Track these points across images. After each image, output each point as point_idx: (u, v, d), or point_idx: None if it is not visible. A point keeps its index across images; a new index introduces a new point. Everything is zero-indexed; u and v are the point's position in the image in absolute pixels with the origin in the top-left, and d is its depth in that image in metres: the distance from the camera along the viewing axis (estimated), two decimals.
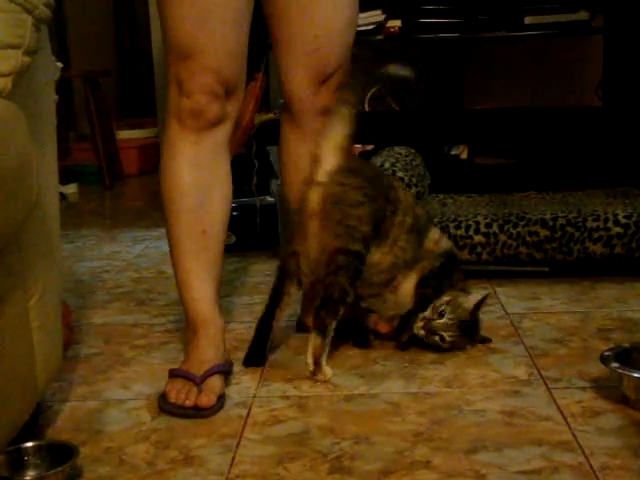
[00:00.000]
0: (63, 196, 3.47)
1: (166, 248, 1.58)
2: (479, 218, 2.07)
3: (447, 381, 1.48)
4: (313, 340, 1.50)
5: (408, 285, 1.63)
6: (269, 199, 2.54)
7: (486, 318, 1.80)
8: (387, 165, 2.16)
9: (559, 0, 2.66)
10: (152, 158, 3.91)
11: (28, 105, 1.17)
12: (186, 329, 1.56)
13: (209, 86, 1.46)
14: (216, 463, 1.22)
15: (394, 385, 1.48)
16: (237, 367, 1.56)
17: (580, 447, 1.22)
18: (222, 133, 1.52)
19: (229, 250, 2.05)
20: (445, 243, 1.69)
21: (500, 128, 2.68)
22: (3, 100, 1.09)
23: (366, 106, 3.13)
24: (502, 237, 2.04)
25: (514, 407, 1.36)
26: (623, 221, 2.01)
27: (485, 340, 1.65)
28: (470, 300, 1.61)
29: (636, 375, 1.34)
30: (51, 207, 1.32)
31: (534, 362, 1.55)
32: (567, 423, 1.30)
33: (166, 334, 1.80)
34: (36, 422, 1.34)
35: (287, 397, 1.45)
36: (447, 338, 1.59)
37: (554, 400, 1.38)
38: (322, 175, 1.55)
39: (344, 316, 1.71)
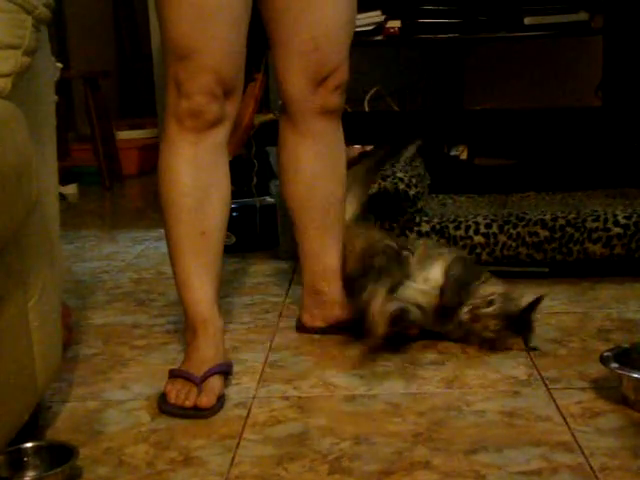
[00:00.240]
0: (63, 197, 3.47)
1: (166, 249, 1.58)
2: (479, 219, 2.07)
3: (447, 382, 1.48)
4: None
5: None
6: (269, 200, 2.54)
7: None
8: (387, 165, 2.16)
9: (559, 1, 2.66)
10: (152, 159, 3.89)
11: (28, 105, 1.17)
12: (186, 330, 1.55)
13: (208, 87, 1.46)
14: (216, 464, 1.22)
15: (394, 386, 1.48)
16: (237, 367, 1.56)
17: (580, 447, 1.22)
18: (221, 134, 1.52)
19: (229, 251, 2.06)
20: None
21: (500, 129, 2.68)
22: (3, 100, 1.09)
23: (366, 107, 3.13)
24: (502, 238, 2.04)
25: (514, 408, 1.36)
26: (623, 222, 2.01)
27: (531, 348, 1.62)
28: (525, 299, 1.63)
29: (635, 376, 1.34)
30: (51, 208, 1.32)
31: (534, 363, 1.55)
32: (567, 423, 1.30)
33: (166, 335, 1.80)
34: (36, 423, 1.34)
35: (287, 398, 1.45)
36: (491, 327, 1.60)
37: (554, 400, 1.38)
38: None
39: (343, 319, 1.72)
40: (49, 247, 1.29)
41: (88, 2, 4.72)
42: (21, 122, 1.12)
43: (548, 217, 2.05)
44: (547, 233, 2.03)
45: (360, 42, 2.65)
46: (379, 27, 2.64)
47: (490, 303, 1.61)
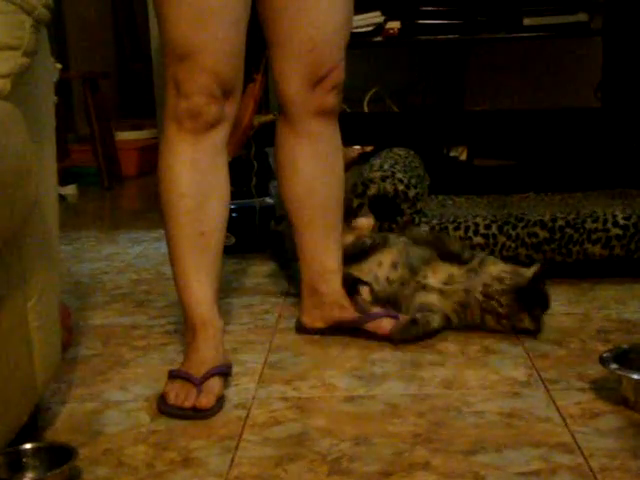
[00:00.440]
0: (62, 197, 3.47)
1: (165, 249, 1.58)
2: (478, 219, 2.07)
3: (446, 382, 1.48)
4: None
5: None
6: (268, 200, 2.54)
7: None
8: (386, 166, 2.16)
9: (558, 2, 2.66)
10: (151, 159, 3.89)
11: (27, 106, 1.17)
12: (185, 330, 1.55)
13: (207, 87, 1.46)
14: (215, 464, 1.22)
15: (393, 386, 1.48)
16: (236, 368, 1.55)
17: (579, 448, 1.22)
18: (220, 135, 1.52)
19: (228, 251, 2.05)
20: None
21: (499, 129, 2.68)
22: (2, 101, 1.09)
23: (365, 107, 3.13)
24: (501, 238, 2.04)
25: (513, 408, 1.36)
26: (622, 222, 2.01)
27: (537, 325, 1.67)
28: (531, 269, 1.69)
29: (635, 376, 1.34)
30: (50, 208, 1.32)
31: (533, 363, 1.55)
32: (566, 424, 1.30)
33: (165, 335, 1.80)
34: (35, 424, 1.34)
35: (286, 398, 1.45)
36: (504, 302, 1.65)
37: (553, 401, 1.38)
38: None
39: (342, 320, 1.72)
40: (48, 248, 1.29)
41: (87, 3, 4.73)
42: (20, 123, 1.12)
43: (547, 218, 2.05)
44: (546, 234, 2.03)
45: (360, 43, 2.66)
46: (379, 28, 2.65)
47: (500, 280, 1.68)
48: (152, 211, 3.23)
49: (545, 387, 1.44)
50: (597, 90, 2.98)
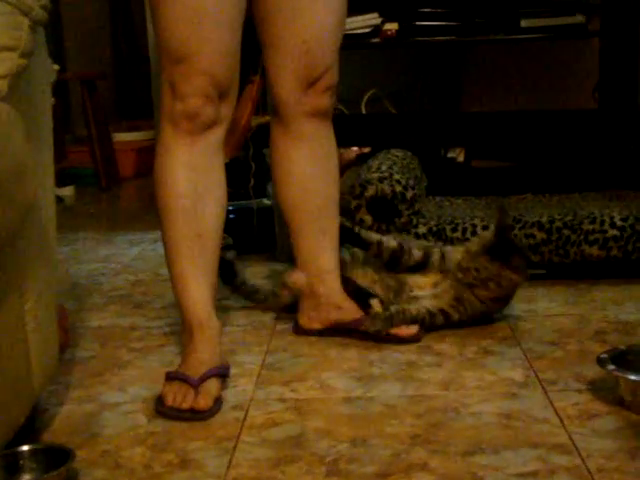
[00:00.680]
0: (59, 199, 3.46)
1: (163, 250, 1.58)
2: (476, 221, 2.07)
3: (444, 383, 1.48)
4: None
5: None
6: (266, 202, 2.54)
7: (483, 320, 1.80)
8: (384, 168, 2.16)
9: (555, 3, 2.67)
10: (149, 161, 3.87)
11: (24, 107, 1.17)
12: (183, 332, 1.55)
13: (203, 89, 1.46)
14: (213, 466, 1.22)
15: (391, 388, 1.48)
16: (234, 370, 1.55)
17: (576, 449, 1.22)
18: (216, 136, 1.52)
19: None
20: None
21: (497, 131, 2.68)
22: None
23: (363, 109, 3.13)
24: None
25: (511, 409, 1.36)
26: (619, 224, 2.01)
27: (523, 274, 1.69)
28: (491, 227, 1.72)
29: (632, 377, 1.34)
30: (47, 210, 1.32)
31: (531, 364, 1.55)
32: (563, 425, 1.30)
33: (163, 337, 1.80)
34: (32, 425, 1.34)
35: (284, 400, 1.44)
36: (481, 268, 1.65)
37: (551, 402, 1.38)
38: None
39: (341, 321, 1.72)
40: (46, 249, 1.29)
41: (85, 4, 4.72)
42: (17, 124, 1.12)
43: (545, 219, 2.05)
44: (544, 235, 2.03)
45: (357, 44, 2.66)
46: (376, 29, 2.64)
47: (469, 252, 1.70)
48: (150, 212, 3.23)
49: (543, 388, 1.44)
50: (594, 92, 2.98)
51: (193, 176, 1.51)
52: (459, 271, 1.70)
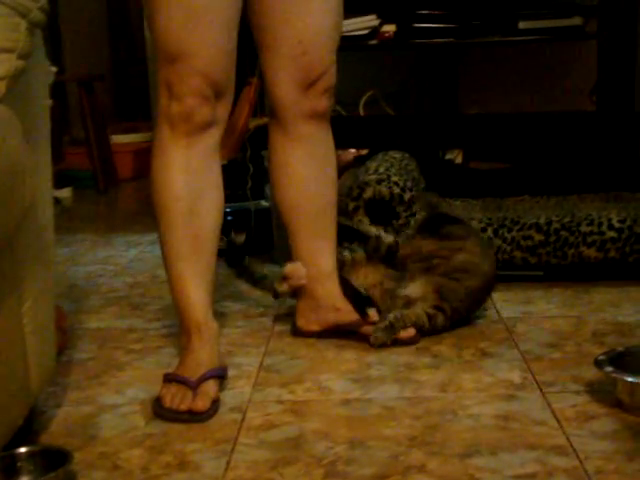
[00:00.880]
0: (57, 201, 3.46)
1: (160, 252, 1.58)
2: (473, 222, 2.07)
3: (442, 385, 1.48)
4: None
5: None
6: (264, 203, 2.54)
7: (480, 322, 1.80)
8: (382, 169, 2.16)
9: (553, 5, 2.67)
10: (147, 162, 3.86)
11: (22, 109, 1.17)
12: (180, 334, 1.55)
13: (199, 89, 1.46)
14: (211, 468, 1.22)
15: (389, 389, 1.48)
16: (232, 371, 1.55)
17: (574, 451, 1.22)
18: (213, 137, 1.52)
19: (224, 254, 2.05)
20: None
21: (494, 132, 2.69)
22: None
23: (361, 110, 3.13)
24: (497, 241, 2.04)
25: (508, 411, 1.36)
26: (617, 225, 2.01)
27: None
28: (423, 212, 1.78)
29: (630, 379, 1.34)
30: (45, 212, 1.32)
31: (528, 366, 1.55)
32: (561, 427, 1.30)
33: (161, 339, 1.80)
34: (30, 427, 1.34)
35: (282, 402, 1.44)
36: (417, 249, 1.70)
37: (548, 404, 1.38)
38: None
39: (338, 322, 1.72)
40: (43, 251, 1.29)
41: (83, 5, 4.72)
42: (15, 126, 1.12)
43: (543, 221, 2.05)
44: (542, 237, 2.03)
45: (355, 46, 2.66)
46: (374, 31, 2.65)
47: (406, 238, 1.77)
48: (147, 214, 3.22)
49: (540, 390, 1.45)
50: (592, 93, 2.98)
51: (190, 178, 1.51)
52: (400, 262, 1.72)
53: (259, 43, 1.64)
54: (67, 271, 2.43)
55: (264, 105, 2.61)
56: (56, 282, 1.41)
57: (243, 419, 1.38)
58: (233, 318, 1.92)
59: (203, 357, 1.47)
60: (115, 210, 3.70)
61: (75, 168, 3.98)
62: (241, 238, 1.88)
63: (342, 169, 2.49)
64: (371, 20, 2.63)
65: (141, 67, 3.78)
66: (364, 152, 2.81)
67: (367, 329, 1.69)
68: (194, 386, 1.41)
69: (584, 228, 2.02)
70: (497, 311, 1.88)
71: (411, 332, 1.68)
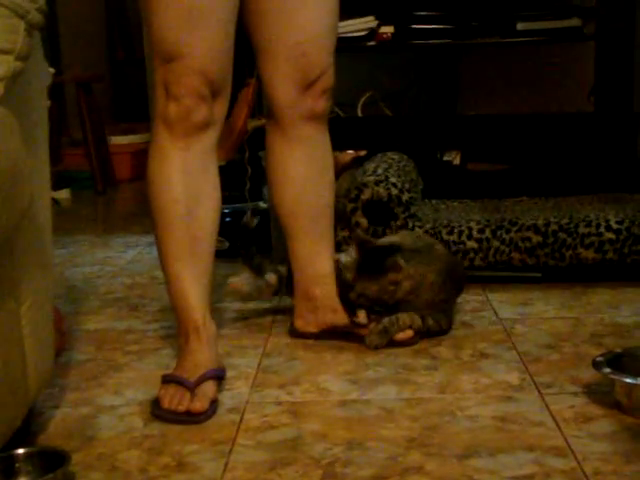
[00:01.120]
0: (55, 202, 3.46)
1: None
2: (472, 224, 2.07)
3: (440, 387, 1.48)
4: None
5: None
6: (262, 204, 2.54)
7: (478, 323, 1.80)
8: (380, 171, 2.16)
9: (551, 7, 2.67)
10: (145, 163, 3.89)
11: (20, 110, 1.17)
12: (178, 335, 1.55)
13: (196, 88, 1.46)
14: (209, 469, 1.22)
15: (387, 391, 1.48)
16: (230, 373, 1.55)
17: (572, 452, 1.22)
18: (210, 138, 1.52)
19: (222, 256, 2.05)
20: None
21: (493, 134, 2.69)
22: None
23: (359, 112, 3.14)
24: (495, 243, 2.04)
25: (506, 412, 1.36)
26: (615, 227, 2.02)
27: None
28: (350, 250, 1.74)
29: (628, 380, 1.34)
30: (43, 213, 1.32)
31: (526, 367, 1.55)
32: (559, 428, 1.30)
33: (159, 340, 1.80)
34: (28, 428, 1.34)
35: (280, 403, 1.44)
36: (365, 292, 1.67)
37: (546, 405, 1.39)
38: None
39: (336, 325, 1.72)
40: (41, 252, 1.29)
41: (81, 6, 4.72)
42: (13, 127, 1.12)
43: (541, 222, 2.05)
44: (540, 238, 2.03)
45: (353, 47, 2.67)
46: (372, 32, 2.65)
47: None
48: (146, 215, 3.21)
49: (538, 391, 1.45)
50: (590, 94, 2.98)
51: (188, 180, 1.51)
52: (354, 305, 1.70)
53: (255, 44, 1.64)
54: (65, 272, 2.43)
55: (262, 106, 2.61)
56: (54, 283, 1.41)
57: (241, 420, 1.38)
58: (231, 319, 1.92)
59: (201, 358, 1.47)
60: (113, 211, 3.69)
61: (73, 169, 3.98)
62: (254, 221, 1.87)
63: (340, 170, 2.49)
64: (369, 21, 2.63)
65: (139, 68, 3.77)
66: (362, 153, 2.81)
67: (364, 330, 1.69)
68: (192, 387, 1.41)
69: (582, 229, 2.02)
70: (495, 312, 1.88)
71: (409, 333, 1.68)
